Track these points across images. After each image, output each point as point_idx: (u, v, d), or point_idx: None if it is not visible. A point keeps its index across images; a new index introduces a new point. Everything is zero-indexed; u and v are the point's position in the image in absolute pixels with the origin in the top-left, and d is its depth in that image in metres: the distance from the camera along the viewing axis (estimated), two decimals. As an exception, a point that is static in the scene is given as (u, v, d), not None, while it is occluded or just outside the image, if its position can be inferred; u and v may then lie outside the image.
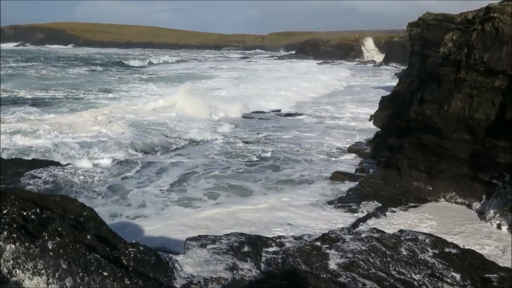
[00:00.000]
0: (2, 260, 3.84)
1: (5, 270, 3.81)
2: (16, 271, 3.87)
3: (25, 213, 4.52)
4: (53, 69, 64.53)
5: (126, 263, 4.80)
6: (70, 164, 17.42)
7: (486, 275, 6.20)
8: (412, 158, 15.06)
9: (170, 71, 70.83)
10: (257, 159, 19.94)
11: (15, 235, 4.01)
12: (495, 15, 13.23)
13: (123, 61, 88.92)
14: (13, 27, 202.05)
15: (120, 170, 17.45)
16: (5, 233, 3.97)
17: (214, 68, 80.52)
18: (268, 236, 7.66)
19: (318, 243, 6.86)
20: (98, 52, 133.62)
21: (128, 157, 19.20)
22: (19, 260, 3.92)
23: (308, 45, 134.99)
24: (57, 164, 17.28)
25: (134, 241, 5.32)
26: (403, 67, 51.21)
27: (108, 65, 76.42)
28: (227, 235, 6.73)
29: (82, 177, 16.20)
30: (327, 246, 6.72)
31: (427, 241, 6.96)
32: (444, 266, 6.32)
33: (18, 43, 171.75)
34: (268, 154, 20.67)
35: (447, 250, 6.79)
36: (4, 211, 4.37)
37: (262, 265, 5.89)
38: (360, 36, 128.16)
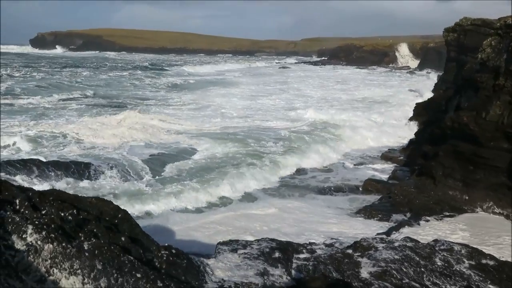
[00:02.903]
0: (40, 259, 3.96)
1: (43, 269, 3.93)
2: (53, 270, 3.97)
3: (62, 214, 4.65)
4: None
5: (158, 266, 4.86)
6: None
7: (526, 289, 5.98)
8: (448, 166, 14.70)
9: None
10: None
11: (53, 235, 4.13)
12: (537, 20, 12.82)
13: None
14: (53, 33, 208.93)
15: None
16: (43, 233, 4.08)
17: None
18: (299, 242, 7.61)
19: (350, 251, 6.78)
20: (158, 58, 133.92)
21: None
22: (56, 260, 4.03)
23: (341, 50, 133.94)
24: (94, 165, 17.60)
25: (166, 244, 5.39)
26: (438, 73, 50.11)
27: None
28: (258, 240, 6.73)
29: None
30: (359, 254, 6.63)
31: (463, 251, 6.77)
32: (481, 278, 6.13)
33: (65, 49, 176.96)
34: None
35: (484, 261, 6.59)
36: (43, 212, 4.50)
37: (293, 272, 5.86)
38: (394, 42, 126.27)
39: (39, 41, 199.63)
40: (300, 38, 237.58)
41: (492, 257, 6.79)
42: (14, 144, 20.11)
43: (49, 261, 4.00)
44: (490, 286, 5.99)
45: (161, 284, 4.37)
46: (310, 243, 7.39)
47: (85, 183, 15.72)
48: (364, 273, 6.01)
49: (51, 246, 4.06)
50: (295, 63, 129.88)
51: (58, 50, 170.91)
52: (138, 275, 4.32)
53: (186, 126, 26.58)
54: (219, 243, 6.52)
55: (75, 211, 4.79)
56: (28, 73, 58.34)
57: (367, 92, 49.13)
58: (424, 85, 46.66)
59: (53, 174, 15.72)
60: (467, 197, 14.02)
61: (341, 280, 5.62)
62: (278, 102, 39.88)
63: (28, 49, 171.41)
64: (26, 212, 4.34)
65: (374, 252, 6.63)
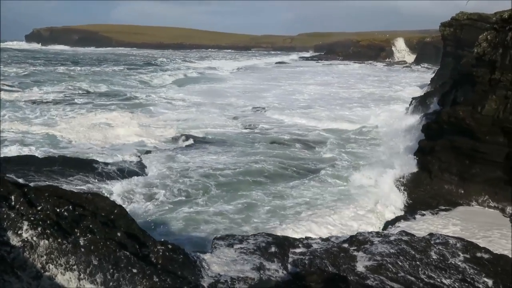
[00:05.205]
0: (36, 255, 3.96)
1: (38, 265, 3.93)
2: (49, 266, 3.98)
3: (58, 210, 4.65)
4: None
5: (155, 261, 4.87)
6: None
7: (520, 282, 6.02)
8: (444, 161, 14.77)
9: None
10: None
11: (48, 231, 4.13)
12: (532, 14, 12.85)
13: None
14: (48, 29, 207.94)
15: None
16: (39, 229, 4.09)
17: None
18: (295, 237, 7.64)
19: (346, 245, 6.80)
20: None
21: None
22: (52, 256, 4.03)
23: (338, 45, 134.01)
24: (91, 162, 17.58)
25: (163, 239, 5.40)
26: (435, 68, 50.04)
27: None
28: (254, 235, 6.75)
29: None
30: (355, 248, 6.65)
31: (458, 245, 6.81)
32: (476, 271, 6.17)
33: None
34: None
35: (479, 255, 6.62)
36: (39, 208, 4.50)
37: (289, 266, 5.88)
38: (391, 37, 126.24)
39: (35, 37, 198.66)
40: (297, 33, 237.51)
41: (487, 251, 6.83)
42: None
43: (44, 257, 4.00)
44: (485, 279, 6.03)
45: (157, 279, 4.38)
46: (306, 238, 7.41)
47: (80, 180, 15.68)
48: (360, 267, 6.04)
49: (46, 242, 4.06)
50: (294, 59, 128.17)
51: (60, 46, 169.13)
52: (134, 271, 4.33)
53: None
54: (215, 238, 6.54)
55: (71, 207, 4.79)
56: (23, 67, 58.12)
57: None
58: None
59: (49, 170, 15.67)
60: (462, 191, 14.10)
61: (337, 274, 5.65)
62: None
63: (24, 45, 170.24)
64: (22, 208, 4.34)
65: (370, 246, 6.66)
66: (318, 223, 12.32)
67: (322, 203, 14.25)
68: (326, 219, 12.69)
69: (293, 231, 11.44)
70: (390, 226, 11.90)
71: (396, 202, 14.21)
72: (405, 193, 14.59)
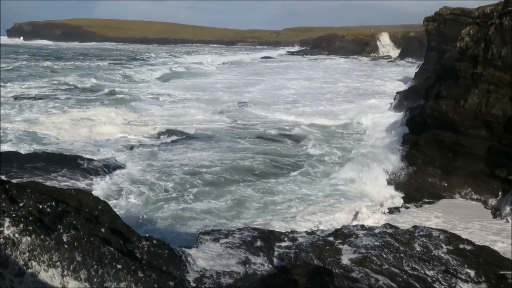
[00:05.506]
0: (18, 252, 3.92)
1: (21, 262, 3.89)
2: (32, 263, 3.94)
3: (41, 206, 4.60)
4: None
5: (139, 256, 4.85)
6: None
7: (501, 272, 6.13)
8: (428, 154, 14.93)
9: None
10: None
11: (31, 228, 4.08)
12: (514, 9, 13.01)
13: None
14: (30, 23, 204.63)
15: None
16: (21, 225, 4.04)
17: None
18: (281, 231, 7.67)
19: (331, 239, 6.85)
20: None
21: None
22: (34, 252, 3.99)
23: (323, 40, 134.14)
24: (75, 158, 17.39)
25: (148, 235, 5.38)
26: (419, 62, 50.42)
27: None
28: (240, 229, 6.77)
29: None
30: (340, 241, 6.71)
31: (441, 237, 6.91)
32: (458, 263, 6.26)
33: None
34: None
35: (461, 246, 6.73)
36: (21, 204, 4.45)
37: (275, 260, 5.91)
38: (375, 32, 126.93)
39: (16, 32, 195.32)
40: (282, 27, 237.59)
41: (469, 242, 6.94)
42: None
43: (27, 254, 3.96)
44: (468, 270, 6.12)
45: (142, 275, 4.36)
46: (292, 231, 7.45)
47: (64, 176, 15.50)
48: (345, 260, 6.09)
49: (29, 238, 4.02)
50: (281, 54, 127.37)
51: (43, 41, 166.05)
52: (119, 266, 4.31)
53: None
54: (201, 233, 6.53)
55: (54, 203, 4.75)
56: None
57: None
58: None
59: (31, 167, 15.47)
60: (446, 184, 14.27)
61: (321, 267, 5.69)
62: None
63: (6, 39, 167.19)
64: (3, 204, 4.28)
65: (354, 239, 6.72)
66: (307, 220, 12.35)
67: (312, 198, 14.28)
68: (316, 214, 12.74)
69: (285, 229, 11.44)
70: (375, 219, 12.01)
71: (381, 195, 14.34)
72: (390, 186, 14.73)
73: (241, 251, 5.89)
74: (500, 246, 9.73)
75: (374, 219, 12.22)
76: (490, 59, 13.43)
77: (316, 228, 9.92)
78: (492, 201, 13.13)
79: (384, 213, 12.71)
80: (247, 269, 5.40)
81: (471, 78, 14.13)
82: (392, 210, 12.78)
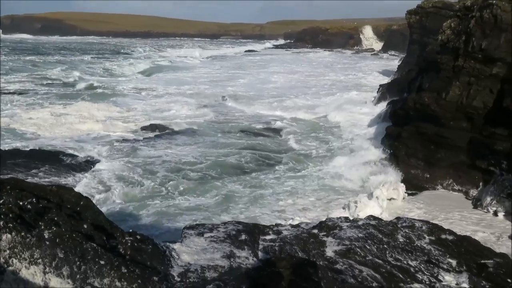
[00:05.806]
0: (-2, 250, 3.86)
1: (1, 260, 3.83)
2: (12, 260, 3.88)
3: (21, 203, 4.52)
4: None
5: (123, 252, 4.81)
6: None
7: (482, 261, 6.24)
8: (411, 146, 15.09)
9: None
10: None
11: (11, 225, 4.02)
12: (494, 1, 13.17)
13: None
14: (9, 16, 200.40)
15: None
16: (1, 223, 3.97)
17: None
18: (266, 224, 7.68)
19: (315, 231, 6.88)
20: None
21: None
22: (15, 250, 3.93)
23: (307, 33, 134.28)
24: (56, 154, 17.18)
25: (131, 230, 5.34)
26: (402, 55, 50.83)
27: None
28: (224, 223, 6.75)
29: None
30: (324, 233, 6.74)
31: (423, 228, 6.99)
32: (441, 253, 6.35)
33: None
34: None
35: (443, 236, 6.82)
36: (0, 201, 4.37)
37: (259, 253, 5.91)
38: (359, 25, 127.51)
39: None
40: (266, 21, 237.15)
41: (451, 232, 7.04)
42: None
43: (8, 251, 3.90)
44: (449, 259, 6.21)
45: (125, 270, 4.33)
46: (277, 225, 7.46)
47: (46, 173, 15.31)
48: (329, 252, 6.12)
49: (9, 236, 3.96)
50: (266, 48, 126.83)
51: (22, 35, 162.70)
52: (102, 262, 4.27)
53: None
54: (185, 228, 6.50)
55: (34, 199, 4.67)
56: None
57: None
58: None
59: (12, 163, 15.25)
60: (428, 176, 14.45)
61: (306, 259, 5.71)
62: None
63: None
64: (-18, 202, 4.21)
65: (339, 231, 6.76)
66: (295, 214, 12.40)
67: (300, 192, 14.35)
68: (304, 208, 12.81)
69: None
70: (359, 211, 12.11)
71: (364, 187, 14.47)
72: (373, 178, 14.86)
73: (225, 245, 5.88)
74: (481, 236, 9.91)
75: (358, 210, 12.33)
76: (471, 51, 13.59)
77: (300, 221, 9.97)
78: (473, 192, 13.34)
79: (367, 205, 12.80)
80: (231, 263, 5.40)
81: (452, 70, 14.29)
82: (376, 202, 12.88)
